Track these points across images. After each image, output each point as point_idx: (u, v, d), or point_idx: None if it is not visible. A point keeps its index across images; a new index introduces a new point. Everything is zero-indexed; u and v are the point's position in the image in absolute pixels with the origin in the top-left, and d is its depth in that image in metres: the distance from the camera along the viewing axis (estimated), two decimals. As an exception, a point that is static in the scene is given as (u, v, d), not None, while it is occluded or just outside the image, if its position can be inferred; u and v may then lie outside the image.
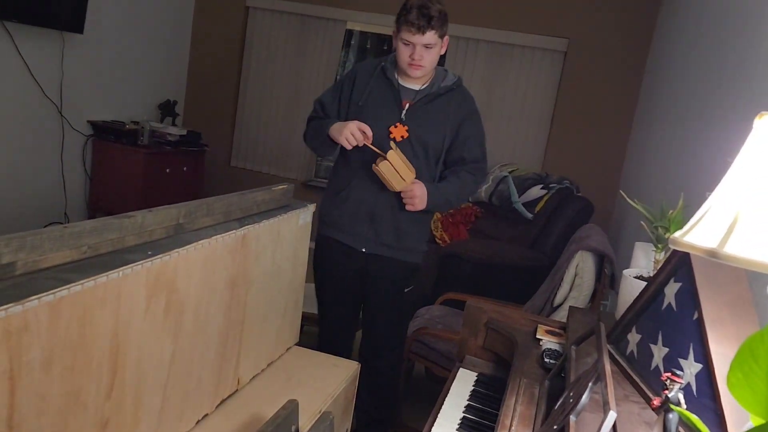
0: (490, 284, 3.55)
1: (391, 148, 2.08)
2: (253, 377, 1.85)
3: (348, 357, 2.45)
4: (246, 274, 1.69)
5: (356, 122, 2.13)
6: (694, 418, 0.70)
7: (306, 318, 2.79)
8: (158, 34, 4.97)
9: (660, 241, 1.38)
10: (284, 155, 5.47)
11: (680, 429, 0.94)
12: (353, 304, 2.43)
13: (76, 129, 4.26)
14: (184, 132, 4.73)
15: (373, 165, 2.10)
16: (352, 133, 2.11)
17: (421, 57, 2.11)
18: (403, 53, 2.13)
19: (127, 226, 1.29)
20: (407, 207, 2.16)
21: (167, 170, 4.51)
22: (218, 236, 1.52)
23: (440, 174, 2.28)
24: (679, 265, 1.11)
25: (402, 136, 2.18)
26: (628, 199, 1.53)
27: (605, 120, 4.71)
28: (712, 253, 0.66)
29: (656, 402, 0.91)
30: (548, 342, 1.58)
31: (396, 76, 2.23)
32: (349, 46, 5.68)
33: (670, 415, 0.90)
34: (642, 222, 1.46)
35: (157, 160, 4.42)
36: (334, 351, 2.33)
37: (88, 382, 1.14)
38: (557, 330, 1.68)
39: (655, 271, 1.43)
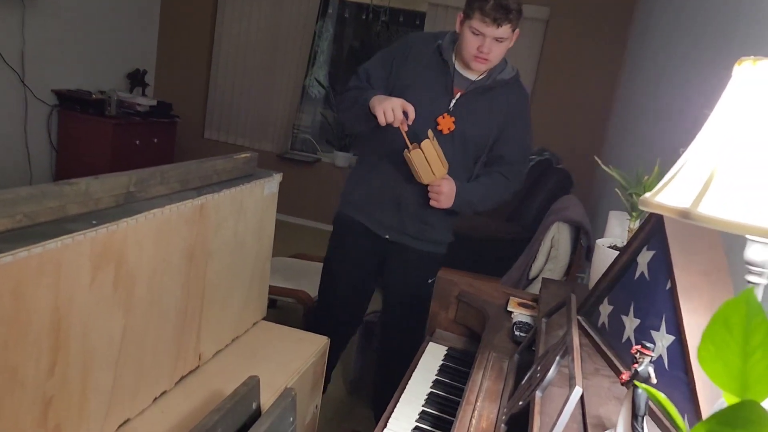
0: (467, 258, 3.50)
1: (428, 137, 1.89)
2: (216, 353, 1.78)
3: (341, 349, 2.36)
4: (205, 246, 1.61)
5: (403, 100, 1.89)
6: (659, 395, 0.64)
7: (275, 291, 2.73)
8: (126, -1, 4.79)
9: (635, 209, 1.33)
10: (260, 127, 5.35)
11: (650, 404, 0.89)
12: (363, 296, 2.29)
13: (40, 99, 4.11)
14: (154, 102, 4.59)
15: (405, 150, 1.91)
16: (393, 109, 1.86)
17: (489, 50, 1.89)
18: (471, 44, 1.91)
19: (68, 193, 1.20)
20: (431, 202, 1.99)
21: (137, 142, 4.38)
22: (173, 205, 1.43)
23: (476, 173, 2.11)
24: (653, 232, 1.05)
25: (449, 129, 2.00)
26: (602, 164, 1.47)
27: (588, 90, 4.65)
28: (685, 214, 0.59)
29: (625, 376, 0.86)
30: (520, 315, 1.53)
31: (453, 59, 2.02)
32: (325, 16, 5.53)
33: (639, 390, 0.85)
34: (616, 189, 1.40)
35: (125, 131, 4.28)
36: (335, 327, 2.24)
37: (25, 359, 1.06)
38: (529, 302, 1.63)
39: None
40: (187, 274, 1.55)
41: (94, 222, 1.20)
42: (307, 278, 2.92)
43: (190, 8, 5.26)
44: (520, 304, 1.60)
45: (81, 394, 1.23)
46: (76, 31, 4.31)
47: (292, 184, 5.31)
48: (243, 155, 1.88)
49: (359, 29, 5.77)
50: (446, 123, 2.00)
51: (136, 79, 4.86)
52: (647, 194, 0.67)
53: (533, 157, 4.08)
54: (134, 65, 4.96)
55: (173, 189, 1.54)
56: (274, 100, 5.27)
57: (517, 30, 1.94)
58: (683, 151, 0.67)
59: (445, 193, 1.95)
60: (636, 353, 0.85)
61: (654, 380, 0.84)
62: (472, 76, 2.02)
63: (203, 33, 5.30)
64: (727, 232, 0.58)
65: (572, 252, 2.36)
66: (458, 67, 2.02)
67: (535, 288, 2.35)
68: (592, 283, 1.48)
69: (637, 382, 0.78)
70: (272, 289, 2.77)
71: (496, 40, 1.89)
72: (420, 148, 1.88)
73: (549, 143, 4.48)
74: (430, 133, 1.92)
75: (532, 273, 2.38)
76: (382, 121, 1.88)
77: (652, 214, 1.04)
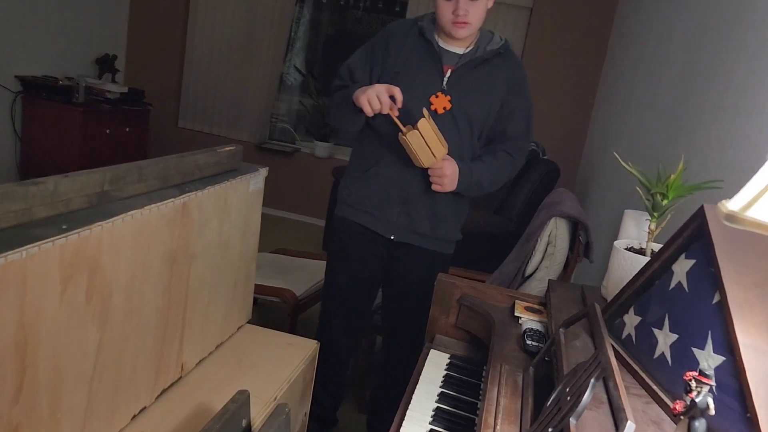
0: (456, 252, 3.41)
1: (423, 117, 1.77)
2: (200, 362, 1.66)
3: (351, 354, 2.27)
4: (188, 248, 1.48)
5: (387, 85, 1.79)
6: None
7: (259, 290, 2.60)
8: (94, -20, 4.56)
9: (656, 209, 1.23)
10: (236, 115, 5.17)
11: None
12: (369, 299, 2.16)
13: (3, 85, 3.88)
14: (125, 89, 4.39)
15: (400, 134, 1.78)
16: (377, 95, 1.76)
17: (466, 12, 1.79)
18: (445, 10, 1.82)
19: (35, 194, 1.07)
20: (434, 187, 1.85)
21: (107, 131, 4.18)
22: (153, 205, 1.30)
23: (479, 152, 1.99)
24: (693, 238, 0.96)
25: (444, 108, 1.87)
26: (622, 161, 1.37)
27: (572, 79, 4.58)
28: (795, 234, 0.50)
29: (679, 407, 0.76)
30: (528, 321, 1.43)
31: (436, 37, 1.91)
32: (303, 1, 5.35)
33: (696, 423, 0.75)
34: (637, 188, 1.30)
35: (94, 119, 4.08)
36: (339, 345, 2.15)
37: (-14, 386, 0.93)
38: (537, 306, 1.53)
39: (649, 243, 1.28)
40: (168, 279, 1.42)
41: (64, 227, 1.06)
42: (291, 275, 2.80)
43: (162, -9, 5.05)
44: (528, 309, 1.51)
45: (51, 419, 1.10)
46: (41, 13, 4.07)
47: (271, 175, 5.10)
48: (227, 148, 1.75)
49: (336, 15, 5.60)
50: (440, 102, 1.88)
51: (105, 64, 4.65)
52: (732, 206, 0.57)
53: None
54: (104, 50, 4.73)
55: (152, 187, 1.40)
56: (251, 88, 5.09)
57: None
58: (771, 156, 0.57)
59: (448, 174, 1.83)
60: (692, 380, 0.75)
61: (713, 412, 0.74)
62: (460, 50, 1.91)
63: (177, 16, 5.09)
64: None
65: (569, 248, 2.28)
66: (442, 43, 1.92)
67: (530, 285, 2.27)
68: (608, 287, 1.39)
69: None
70: (256, 288, 2.64)
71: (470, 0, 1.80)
72: (416, 128, 1.75)
73: (534, 134, 4.40)
74: (425, 111, 1.80)
75: (529, 270, 2.29)
76: (368, 110, 1.79)
77: (692, 218, 0.95)
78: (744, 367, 0.79)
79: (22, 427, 1.02)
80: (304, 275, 2.78)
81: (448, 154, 1.83)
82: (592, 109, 4.53)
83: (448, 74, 1.89)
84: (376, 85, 1.79)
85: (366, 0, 4.85)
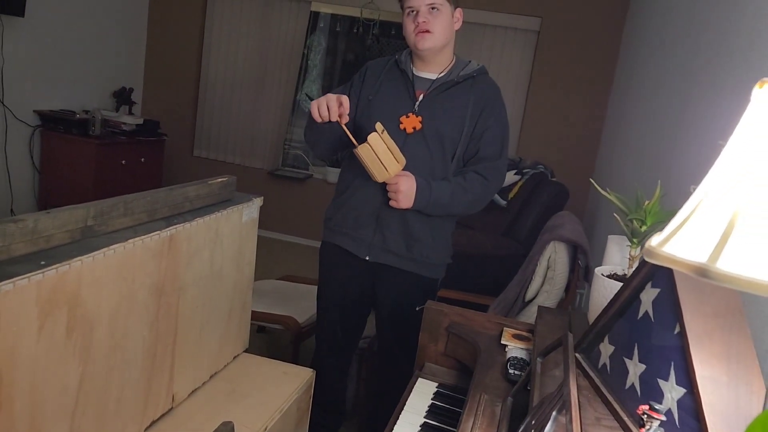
0: (462, 274, 3.39)
1: (376, 131, 1.79)
2: (192, 392, 1.67)
3: (345, 374, 2.27)
4: (176, 280, 1.50)
5: (337, 95, 1.82)
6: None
7: (261, 317, 2.61)
8: (111, 16, 4.69)
9: (635, 236, 1.22)
10: (249, 144, 5.25)
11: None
12: (358, 321, 2.16)
13: (21, 119, 4.00)
14: (141, 121, 4.49)
15: (354, 149, 1.82)
16: (326, 102, 1.78)
17: (426, 20, 1.83)
18: (409, 24, 1.88)
19: (13, 232, 1.09)
20: (390, 203, 1.87)
21: (123, 162, 4.27)
22: (137, 239, 1.33)
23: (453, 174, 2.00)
24: (657, 267, 0.94)
25: (414, 128, 1.89)
26: (598, 188, 1.37)
27: (580, 102, 4.56)
28: (702, 271, 0.49)
29: (631, 441, 0.75)
30: (514, 348, 1.42)
31: (411, 66, 1.96)
32: (316, 29, 5.45)
33: (648, 458, 0.74)
34: (615, 214, 1.29)
35: (110, 151, 4.18)
36: (330, 368, 2.16)
37: (-40, 422, 0.95)
38: (525, 334, 1.52)
39: (631, 269, 1.27)
40: (155, 312, 1.44)
41: (42, 263, 1.09)
42: (295, 302, 2.81)
43: (178, 24, 5.18)
44: (515, 336, 1.49)
45: (31, 453, 1.11)
46: (60, 49, 4.21)
47: (283, 200, 5.21)
48: (219, 179, 1.78)
49: (352, 42, 5.69)
50: (411, 122, 1.91)
51: (122, 97, 4.76)
52: (654, 241, 0.57)
53: (527, 170, 3.98)
54: (121, 83, 4.86)
55: (139, 220, 1.43)
56: (264, 116, 5.18)
57: (459, 9, 1.91)
58: (694, 189, 0.57)
59: (402, 191, 1.83)
60: (643, 415, 0.74)
61: (664, 447, 0.73)
62: (433, 75, 1.95)
63: (191, 49, 5.21)
64: (757, 294, 0.48)
65: (570, 271, 2.25)
66: (417, 71, 1.97)
67: (531, 311, 2.24)
68: (591, 314, 1.37)
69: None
70: (259, 315, 2.66)
71: (430, 10, 1.84)
72: (368, 143, 1.76)
73: (542, 156, 4.38)
74: (378, 125, 1.81)
75: (529, 295, 2.27)
76: (316, 116, 1.82)
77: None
78: (702, 401, 0.78)
79: (0, 462, 1.04)
80: (308, 302, 2.79)
81: (416, 172, 1.85)
82: (602, 132, 4.50)
83: (420, 98, 1.93)
84: (327, 95, 1.83)
85: (377, 28, 4.92)
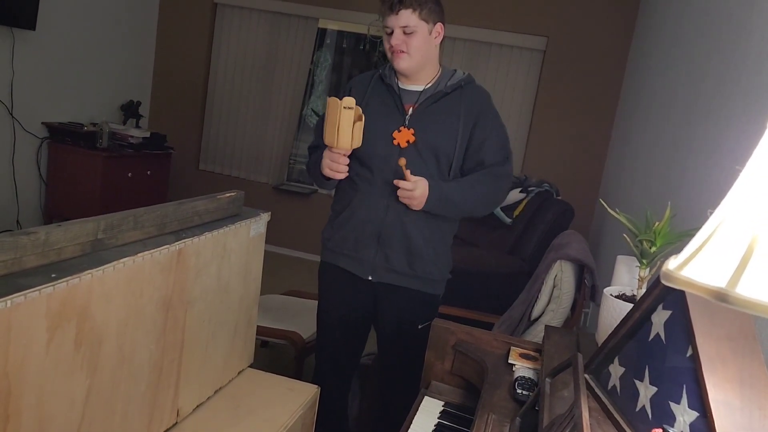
0: (466, 292, 3.39)
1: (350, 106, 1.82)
2: (197, 407, 1.66)
3: (346, 392, 2.26)
4: (183, 294, 1.50)
5: (326, 152, 1.89)
6: None
7: (266, 332, 2.61)
8: (120, 30, 4.74)
9: (645, 256, 1.22)
10: (255, 158, 5.27)
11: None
12: (358, 340, 2.16)
13: (29, 131, 4.02)
14: (148, 134, 4.52)
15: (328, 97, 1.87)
16: (332, 161, 1.87)
17: (399, 41, 1.85)
18: (386, 43, 1.90)
19: (25, 244, 1.10)
20: (402, 199, 1.87)
21: (129, 174, 4.29)
22: (146, 253, 1.33)
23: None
24: (669, 289, 0.94)
25: (408, 141, 1.90)
26: (608, 208, 1.37)
27: (586, 121, 4.58)
28: (721, 296, 0.49)
29: (645, 465, 0.74)
30: (522, 368, 1.41)
31: (396, 80, 1.97)
32: (323, 46, 5.49)
33: (662, 483, 0.73)
34: (624, 234, 1.29)
35: (117, 164, 4.20)
36: (332, 386, 2.14)
37: (-33, 435, 0.95)
38: (532, 353, 1.51)
39: (640, 290, 1.26)
40: (162, 326, 1.44)
41: (53, 276, 1.09)
42: (300, 317, 2.80)
43: (186, 38, 5.23)
44: (522, 356, 1.49)
45: (36, 467, 1.11)
46: (69, 62, 4.25)
47: (288, 215, 5.21)
48: (228, 194, 1.78)
49: (358, 59, 5.73)
50: (403, 136, 1.91)
51: (130, 110, 4.80)
52: (671, 264, 0.57)
53: (532, 188, 3.98)
54: (128, 96, 4.90)
55: (148, 234, 1.43)
56: (270, 131, 5.20)
57: (439, 24, 1.91)
58: (711, 213, 0.57)
59: (417, 197, 1.84)
60: (657, 438, 0.73)
61: (678, 471, 0.72)
62: (419, 87, 1.96)
63: (199, 63, 5.26)
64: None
65: (576, 290, 2.25)
66: (402, 84, 1.97)
67: (537, 330, 2.23)
68: (599, 335, 1.36)
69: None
70: (263, 330, 2.65)
71: (405, 31, 1.85)
72: (341, 104, 1.79)
73: (548, 174, 4.39)
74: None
75: (534, 313, 2.26)
76: (339, 177, 1.91)
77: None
78: (715, 425, 0.77)
79: (5, 475, 1.04)
80: (312, 317, 2.78)
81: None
82: (607, 151, 4.51)
83: (410, 112, 1.93)
84: (330, 155, 1.88)
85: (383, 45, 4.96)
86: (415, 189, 1.83)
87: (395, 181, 1.86)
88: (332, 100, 1.82)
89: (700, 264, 0.54)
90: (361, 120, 1.85)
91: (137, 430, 1.40)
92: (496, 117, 1.98)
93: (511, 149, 2.00)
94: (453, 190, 1.89)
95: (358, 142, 1.86)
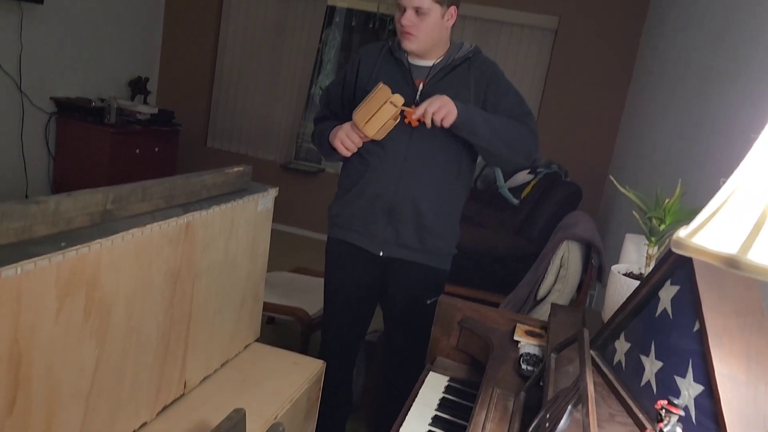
0: (473, 272, 3.40)
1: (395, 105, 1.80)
2: (204, 379, 1.68)
3: (351, 368, 2.27)
4: (191, 267, 1.51)
5: (347, 126, 1.86)
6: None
7: (272, 308, 2.63)
8: (128, 5, 4.72)
9: (653, 234, 1.22)
10: (263, 136, 5.26)
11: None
12: (365, 316, 2.16)
13: (38, 106, 4.03)
14: (156, 110, 4.51)
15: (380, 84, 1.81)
16: (347, 135, 1.85)
17: (410, 23, 1.81)
18: (397, 21, 1.86)
19: (35, 212, 1.11)
20: (435, 119, 1.75)
21: (137, 151, 4.30)
22: (155, 224, 1.33)
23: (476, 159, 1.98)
24: (677, 265, 0.94)
25: (419, 119, 1.86)
26: (618, 185, 1.36)
27: (596, 102, 4.54)
28: (732, 262, 0.49)
29: (649, 436, 0.75)
30: (527, 345, 1.42)
31: (405, 54, 1.94)
32: (331, 24, 5.45)
33: (666, 454, 0.73)
34: (633, 212, 1.29)
35: (125, 139, 4.20)
36: (337, 362, 2.14)
37: (-21, 398, 0.96)
38: (537, 330, 1.51)
39: (648, 268, 1.26)
40: (171, 297, 1.45)
41: (62, 244, 1.10)
42: (306, 294, 2.82)
43: (195, 15, 5.19)
44: (528, 333, 1.49)
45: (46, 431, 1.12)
46: (77, 37, 4.24)
47: (295, 194, 5.22)
48: (236, 169, 1.78)
49: (367, 37, 5.69)
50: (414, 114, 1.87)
51: (137, 86, 4.79)
52: (681, 233, 0.57)
53: (540, 169, 3.97)
54: (136, 72, 4.88)
55: (157, 206, 1.44)
56: (277, 109, 5.19)
57: (453, 8, 1.86)
58: (724, 182, 0.57)
59: (438, 104, 1.75)
60: (662, 409, 0.74)
61: (682, 442, 0.72)
62: (429, 63, 1.93)
63: (207, 40, 5.23)
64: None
65: (582, 271, 2.25)
66: (412, 59, 1.95)
67: (543, 309, 2.24)
68: (605, 313, 1.37)
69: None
70: (269, 306, 2.67)
71: (416, 13, 1.81)
72: (392, 96, 1.77)
73: (556, 155, 4.37)
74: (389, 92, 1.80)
75: (541, 293, 2.27)
76: (345, 153, 1.90)
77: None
78: (719, 398, 0.77)
79: (16, 438, 1.05)
80: (319, 294, 2.79)
81: (424, 167, 1.90)
82: (617, 132, 4.48)
83: (420, 88, 1.91)
84: (344, 126, 1.86)
85: (393, 23, 4.92)
86: (431, 103, 1.75)
87: (410, 116, 1.80)
88: (384, 88, 1.79)
89: (712, 231, 0.53)
90: (396, 121, 1.83)
91: (145, 401, 1.42)
92: (506, 81, 1.95)
93: (530, 110, 1.95)
94: (475, 111, 1.83)
95: (380, 137, 1.85)
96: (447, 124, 1.77)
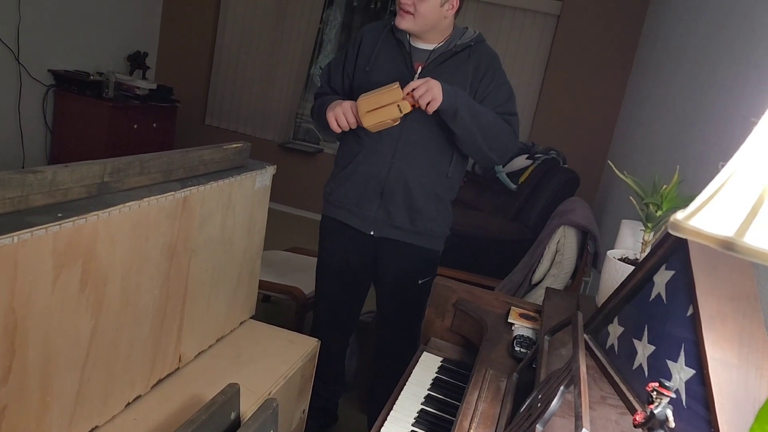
0: (469, 257, 3.40)
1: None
2: (198, 354, 1.69)
3: (344, 347, 2.29)
4: (188, 242, 1.51)
5: (346, 105, 1.84)
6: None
7: (268, 287, 2.63)
8: (129, -21, 4.67)
9: (650, 220, 1.22)
10: (262, 115, 5.24)
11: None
12: (358, 294, 2.17)
13: (35, 78, 4.00)
14: (154, 86, 4.48)
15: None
16: (343, 113, 1.83)
17: (409, 2, 1.82)
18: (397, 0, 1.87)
19: (32, 182, 1.10)
20: (421, 102, 1.76)
21: (135, 126, 4.27)
22: (152, 198, 1.33)
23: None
24: (673, 249, 0.94)
25: (413, 106, 1.85)
26: (615, 170, 1.36)
27: (597, 88, 4.52)
28: (728, 245, 0.49)
29: (639, 417, 0.76)
30: (521, 327, 1.43)
31: (407, 36, 1.93)
32: (332, 4, 5.39)
33: (656, 435, 0.74)
34: (631, 197, 1.29)
35: (123, 114, 4.17)
36: (328, 338, 2.15)
37: (-26, 366, 0.97)
38: (532, 314, 1.52)
39: (643, 254, 1.27)
40: (167, 271, 1.45)
41: (59, 215, 1.10)
42: (302, 273, 2.83)
43: (195, -9, 5.14)
44: (522, 315, 1.50)
45: (41, 402, 1.13)
46: (76, 9, 4.19)
47: (293, 174, 5.21)
48: (234, 145, 1.78)
49: (368, 17, 5.64)
50: (410, 99, 1.84)
51: (136, 61, 4.75)
52: (679, 215, 0.57)
53: (539, 155, 3.96)
54: (135, 47, 4.84)
55: (154, 180, 1.43)
56: (276, 88, 5.16)
57: None
58: (723, 165, 0.57)
59: (426, 86, 1.74)
60: (653, 392, 0.74)
61: (672, 424, 0.73)
62: (430, 46, 1.92)
63: (208, 16, 5.18)
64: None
65: (578, 257, 2.26)
66: (413, 42, 1.94)
67: (537, 294, 2.25)
68: (599, 297, 1.37)
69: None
70: (265, 285, 2.68)
71: None
72: (403, 94, 1.77)
73: (555, 142, 4.36)
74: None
75: (535, 278, 2.28)
76: (335, 128, 1.88)
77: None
78: (711, 382, 0.78)
79: (10, 408, 1.06)
80: (314, 274, 2.81)
81: (416, 153, 1.91)
82: (617, 119, 4.47)
83: (419, 71, 1.90)
84: (344, 104, 1.85)
85: (395, 4, 4.88)
86: (419, 86, 1.75)
87: (409, 91, 1.78)
88: (397, 90, 1.78)
89: (709, 214, 0.54)
90: (394, 123, 1.83)
91: (140, 373, 1.43)
92: (503, 76, 1.95)
93: (517, 112, 1.95)
94: (464, 97, 1.82)
95: (373, 130, 1.84)
96: (431, 110, 1.77)
